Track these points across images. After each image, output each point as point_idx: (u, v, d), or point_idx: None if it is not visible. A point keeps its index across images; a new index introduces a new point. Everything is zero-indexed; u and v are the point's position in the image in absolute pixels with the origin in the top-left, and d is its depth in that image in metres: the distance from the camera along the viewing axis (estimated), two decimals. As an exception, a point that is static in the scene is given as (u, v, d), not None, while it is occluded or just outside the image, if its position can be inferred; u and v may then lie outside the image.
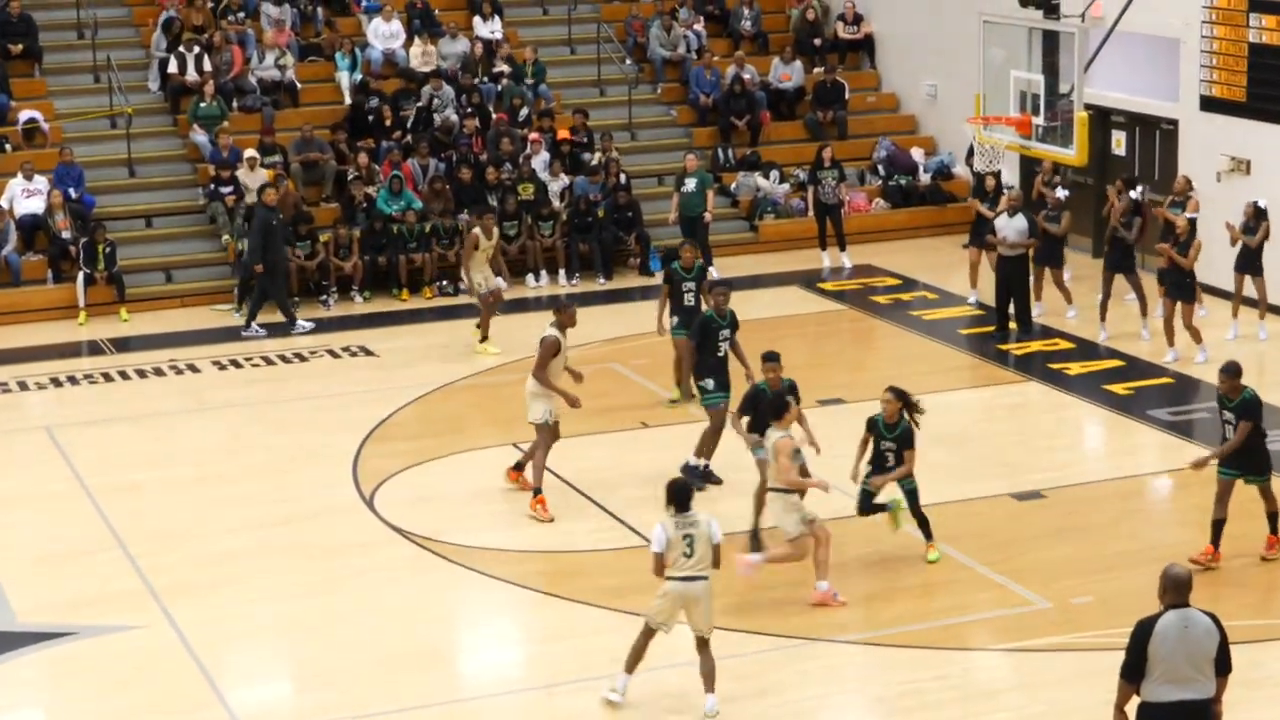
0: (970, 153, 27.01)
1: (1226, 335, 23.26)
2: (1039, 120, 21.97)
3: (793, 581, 15.90)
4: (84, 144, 28.75)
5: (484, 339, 23.90)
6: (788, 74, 32.09)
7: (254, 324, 25.21)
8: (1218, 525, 16.28)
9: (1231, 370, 16.20)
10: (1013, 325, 24.05)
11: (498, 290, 23.98)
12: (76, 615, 15.39)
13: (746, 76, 31.51)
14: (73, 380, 23.17)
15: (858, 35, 33.28)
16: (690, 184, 27.58)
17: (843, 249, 28.31)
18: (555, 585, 16.15)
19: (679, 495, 13.54)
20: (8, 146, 28.57)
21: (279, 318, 25.09)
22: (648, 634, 13.78)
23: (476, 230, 23.83)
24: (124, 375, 23.32)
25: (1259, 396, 16.27)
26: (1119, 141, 27.98)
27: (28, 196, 27.07)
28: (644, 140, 31.29)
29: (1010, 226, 23.87)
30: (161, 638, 14.98)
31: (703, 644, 13.65)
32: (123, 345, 24.80)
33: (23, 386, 22.92)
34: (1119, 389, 21.66)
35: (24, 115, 28.87)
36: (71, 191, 27.39)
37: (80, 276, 26.16)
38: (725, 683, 13.80)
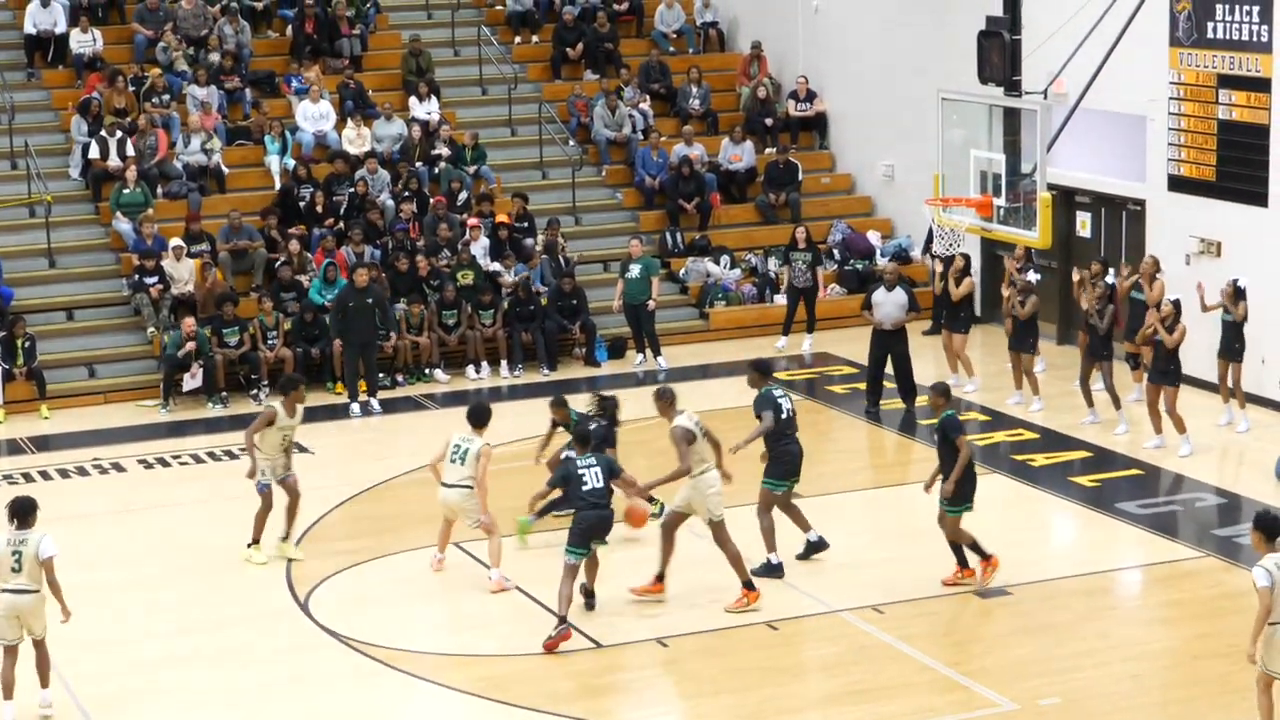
0: (930, 236, 27.46)
1: (1219, 421, 23.72)
2: (1000, 201, 22.35)
3: (746, 685, 16.14)
4: (1, 233, 28.95)
5: (284, 537, 19.91)
6: (738, 154, 32.57)
7: (358, 402, 26.09)
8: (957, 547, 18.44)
9: (939, 389, 18.61)
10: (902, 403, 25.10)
11: (290, 482, 19.78)
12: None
13: (695, 154, 31.97)
14: (9, 479, 23.33)
15: (810, 113, 33.80)
16: (635, 270, 28.00)
17: (810, 331, 28.71)
18: (499, 690, 16.30)
19: (19, 511, 15.51)
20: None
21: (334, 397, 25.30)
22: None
23: (275, 405, 19.58)
24: (45, 475, 23.45)
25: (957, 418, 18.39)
26: (1084, 223, 28.45)
27: (-61, 290, 27.28)
28: (589, 225, 31.69)
29: (890, 300, 24.60)
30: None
31: (40, 644, 15.60)
32: (43, 444, 24.96)
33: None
34: (1086, 481, 22.00)
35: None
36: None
37: (-2, 373, 26.33)
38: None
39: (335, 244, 28.84)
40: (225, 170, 30.79)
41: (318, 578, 19.23)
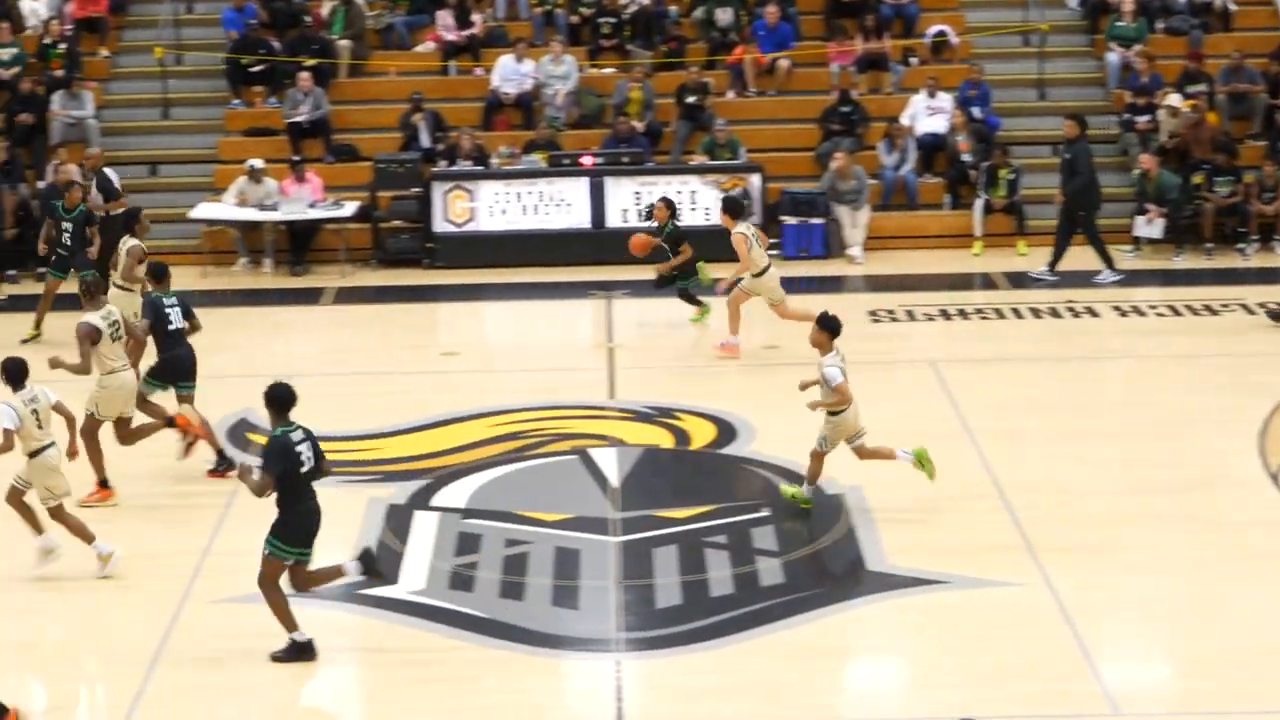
0: None
1: None
2: None
3: None
4: (994, 61, 29.45)
5: None
6: None
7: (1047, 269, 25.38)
8: None
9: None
10: None
11: None
12: (949, 563, 15.88)
13: None
14: (962, 314, 23.97)
15: None
16: None
17: None
18: None
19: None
20: (914, 60, 29.63)
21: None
22: None
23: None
24: (1016, 313, 23.90)
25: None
26: None
27: (930, 114, 28.08)
28: None
29: None
30: (1036, 598, 15.25)
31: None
32: (1017, 280, 25.43)
33: (910, 316, 23.92)
34: None
35: (933, 29, 29.87)
36: (976, 111, 28.14)
37: (978, 204, 26.89)
38: None
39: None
40: (1231, 8, 30.06)
41: (1292, 449, 18.75)
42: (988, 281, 25.63)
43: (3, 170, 26.60)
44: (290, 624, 14.09)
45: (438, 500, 17.51)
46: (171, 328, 18.19)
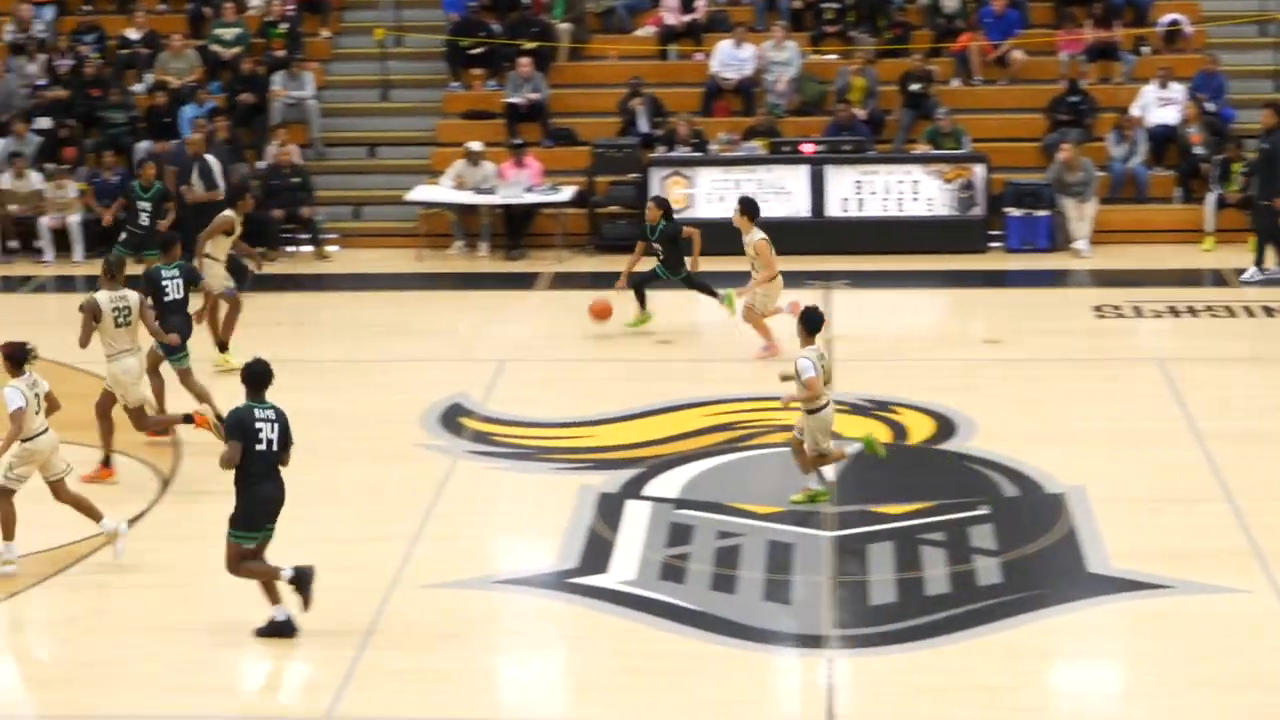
0: None
1: None
2: None
3: None
4: (1230, 51, 28.93)
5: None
6: None
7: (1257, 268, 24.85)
8: None
9: None
10: None
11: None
12: (1174, 567, 15.61)
13: None
14: (1192, 311, 23.56)
15: None
16: None
17: None
18: None
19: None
20: (1146, 49, 29.19)
21: None
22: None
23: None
24: (1248, 311, 23.47)
25: None
26: None
27: (1162, 105, 27.67)
28: None
29: None
30: (1263, 605, 14.90)
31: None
32: (1249, 277, 25.07)
33: (1138, 312, 23.55)
34: None
35: (1166, 18, 29.39)
36: (1209, 104, 27.65)
37: (1210, 198, 26.43)
38: None
39: None
40: None
41: None
42: (1218, 278, 25.21)
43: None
44: (274, 597, 14.24)
45: (650, 490, 17.52)
46: (168, 299, 18.59)
